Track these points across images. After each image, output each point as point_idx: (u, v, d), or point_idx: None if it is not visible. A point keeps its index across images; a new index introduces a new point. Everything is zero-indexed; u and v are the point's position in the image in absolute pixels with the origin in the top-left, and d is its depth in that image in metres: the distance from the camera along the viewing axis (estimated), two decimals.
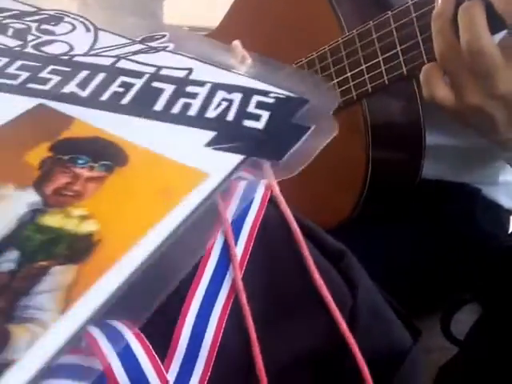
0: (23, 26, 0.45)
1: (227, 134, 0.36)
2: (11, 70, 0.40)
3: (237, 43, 0.46)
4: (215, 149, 0.35)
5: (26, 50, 0.42)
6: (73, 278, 0.27)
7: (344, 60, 0.59)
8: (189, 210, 0.31)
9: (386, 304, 0.46)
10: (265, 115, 0.38)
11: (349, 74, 0.59)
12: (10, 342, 0.24)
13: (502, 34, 0.47)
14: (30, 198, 0.30)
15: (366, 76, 0.57)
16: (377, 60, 0.56)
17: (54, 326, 0.25)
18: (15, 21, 0.46)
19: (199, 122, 0.37)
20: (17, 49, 0.42)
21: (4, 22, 0.46)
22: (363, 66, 0.58)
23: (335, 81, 0.60)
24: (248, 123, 0.37)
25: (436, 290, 0.75)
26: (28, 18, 0.47)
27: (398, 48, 0.54)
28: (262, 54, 0.42)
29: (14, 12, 0.47)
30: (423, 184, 0.68)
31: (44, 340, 0.25)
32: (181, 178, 0.33)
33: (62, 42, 0.44)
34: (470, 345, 0.66)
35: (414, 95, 0.56)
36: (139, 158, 0.34)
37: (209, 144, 0.35)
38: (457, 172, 0.78)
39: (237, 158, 0.35)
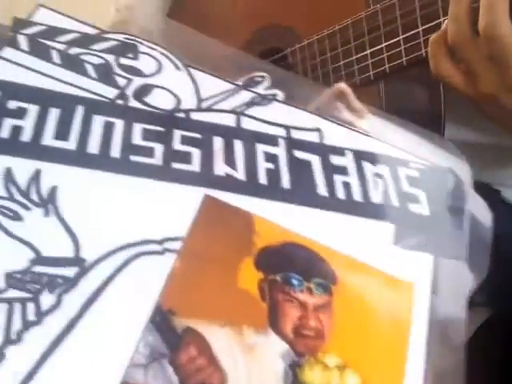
0: (101, 61, 0.38)
1: (405, 227, 0.34)
2: (137, 139, 0.33)
3: (346, 89, 0.41)
4: (403, 247, 0.33)
5: (131, 105, 0.35)
6: None
7: (365, 35, 0.56)
8: (424, 340, 0.29)
9: None
10: (421, 196, 0.37)
11: (368, 51, 0.56)
12: None
13: None
14: (279, 346, 0.26)
15: (385, 54, 0.55)
16: (397, 39, 0.54)
17: None
18: (84, 51, 0.38)
19: (370, 210, 0.34)
20: (119, 102, 0.35)
21: (71, 51, 0.38)
22: (383, 44, 0.55)
23: (354, 57, 0.58)
24: (413, 208, 0.35)
25: None
26: (96, 47, 0.39)
27: (420, 28, 0.51)
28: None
29: (73, 35, 0.39)
30: None
31: None
32: (392, 294, 0.31)
33: (160, 88, 0.37)
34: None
35: (436, 83, 0.50)
36: (343, 269, 0.31)
37: (395, 241, 0.33)
38: (477, 171, 0.74)
39: (429, 259, 0.33)
